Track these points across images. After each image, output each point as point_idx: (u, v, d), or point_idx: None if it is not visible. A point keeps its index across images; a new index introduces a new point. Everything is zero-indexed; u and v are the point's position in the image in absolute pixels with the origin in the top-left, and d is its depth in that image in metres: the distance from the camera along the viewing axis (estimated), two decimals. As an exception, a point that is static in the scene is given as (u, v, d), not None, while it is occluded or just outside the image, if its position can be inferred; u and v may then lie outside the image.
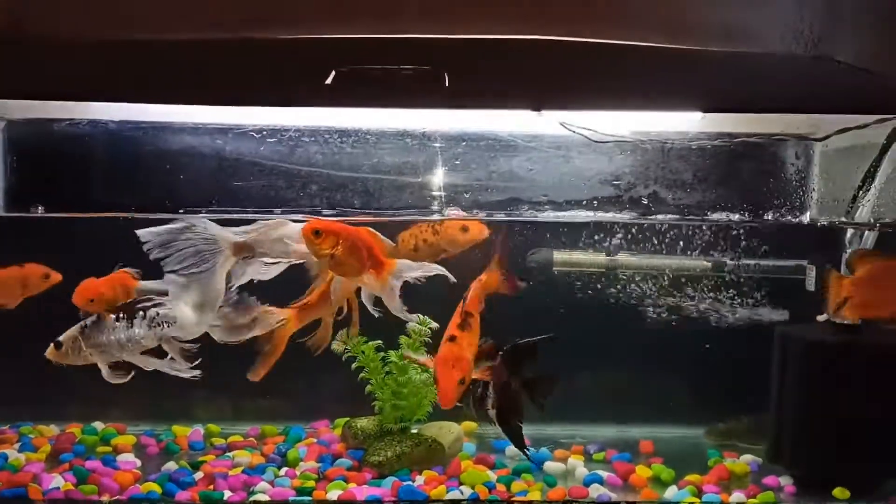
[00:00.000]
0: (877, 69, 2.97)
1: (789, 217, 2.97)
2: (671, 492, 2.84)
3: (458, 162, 2.91)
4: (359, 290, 2.80)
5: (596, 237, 3.22)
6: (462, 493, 2.77)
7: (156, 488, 2.74)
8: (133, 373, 2.76)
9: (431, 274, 2.62)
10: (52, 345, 2.71)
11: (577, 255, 3.25)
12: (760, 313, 3.23)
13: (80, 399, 3.28)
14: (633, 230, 3.21)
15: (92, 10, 3.04)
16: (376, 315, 2.68)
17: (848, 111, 2.74)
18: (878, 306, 2.76)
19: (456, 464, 2.93)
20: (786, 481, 2.93)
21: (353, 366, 3.06)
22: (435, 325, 2.97)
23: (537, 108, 2.61)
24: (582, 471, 2.97)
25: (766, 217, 2.97)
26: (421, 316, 2.99)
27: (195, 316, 2.64)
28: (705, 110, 2.68)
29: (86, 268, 2.83)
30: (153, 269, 2.66)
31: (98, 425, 3.26)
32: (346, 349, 3.03)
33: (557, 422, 3.31)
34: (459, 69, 2.71)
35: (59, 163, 3.06)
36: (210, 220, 2.66)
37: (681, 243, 3.23)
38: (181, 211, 2.80)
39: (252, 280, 2.69)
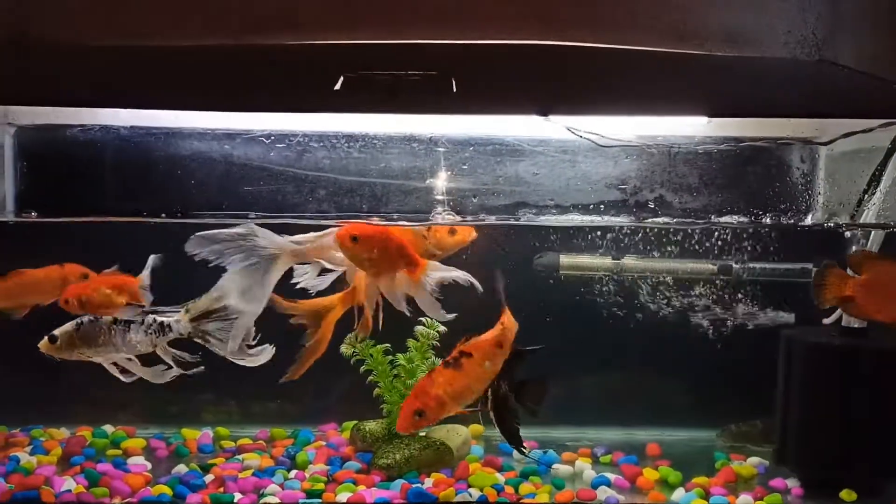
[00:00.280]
0: (880, 73, 2.99)
1: (795, 220, 2.98)
2: (679, 494, 2.85)
3: (465, 166, 2.93)
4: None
5: (602, 241, 3.24)
6: (471, 495, 2.78)
7: (167, 491, 2.76)
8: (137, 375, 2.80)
9: (461, 277, 2.65)
10: (46, 338, 2.73)
11: (584, 259, 3.27)
12: (766, 316, 3.24)
13: (89, 402, 3.31)
14: (640, 234, 3.23)
15: (100, 17, 3.07)
16: (408, 314, 2.70)
17: (852, 115, 2.75)
18: (881, 310, 2.77)
19: (464, 466, 2.95)
20: (793, 484, 2.94)
21: (362, 369, 3.08)
22: (442, 328, 3.00)
23: (545, 114, 2.63)
24: (590, 473, 2.98)
25: (771, 220, 2.98)
26: (428, 319, 3.02)
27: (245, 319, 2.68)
28: (710, 115, 2.70)
29: (98, 271, 2.86)
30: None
31: (108, 428, 3.29)
32: (354, 352, 3.05)
33: (564, 425, 3.33)
34: (467, 74, 2.73)
35: (68, 168, 3.08)
36: (260, 225, 2.71)
37: (686, 247, 3.24)
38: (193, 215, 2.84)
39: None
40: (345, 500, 2.74)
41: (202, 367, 2.78)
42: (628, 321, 3.29)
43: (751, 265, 3.23)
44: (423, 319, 3.03)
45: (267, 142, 2.91)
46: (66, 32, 3.07)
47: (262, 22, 3.02)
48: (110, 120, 2.89)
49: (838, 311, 2.97)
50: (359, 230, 2.58)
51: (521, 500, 2.79)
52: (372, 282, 2.72)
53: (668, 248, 3.24)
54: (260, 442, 3.23)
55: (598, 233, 3.22)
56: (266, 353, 2.75)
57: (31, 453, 3.05)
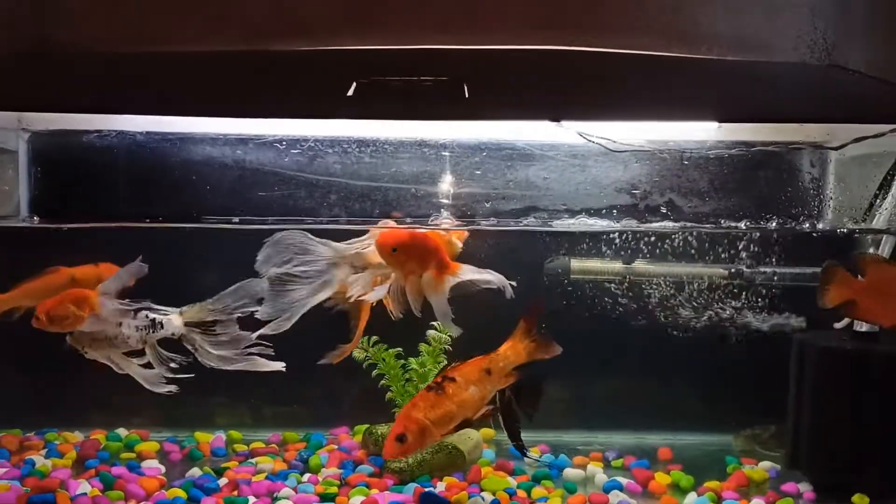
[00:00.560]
0: (891, 78, 3.00)
1: (806, 225, 2.99)
2: (691, 498, 2.85)
3: (477, 171, 2.94)
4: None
5: (612, 245, 3.25)
6: (483, 499, 2.79)
7: (181, 494, 2.77)
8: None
9: (489, 278, 2.69)
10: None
11: (594, 263, 3.27)
12: (778, 320, 3.25)
13: (103, 406, 3.33)
14: (650, 238, 3.23)
15: (114, 25, 3.09)
16: (417, 314, 2.73)
17: (862, 120, 2.76)
18: (883, 313, 2.77)
19: (476, 470, 2.95)
20: (805, 488, 2.94)
21: (374, 373, 3.09)
22: (455, 332, 3.00)
23: (556, 119, 2.64)
24: (601, 477, 2.99)
25: (782, 225, 2.99)
26: (438, 324, 3.03)
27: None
28: (720, 120, 2.71)
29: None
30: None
31: (122, 432, 3.31)
32: (366, 356, 3.06)
33: (575, 429, 3.34)
34: (479, 80, 2.74)
35: (81, 173, 3.11)
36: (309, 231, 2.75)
37: (697, 251, 3.25)
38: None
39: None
40: (358, 504, 2.75)
41: (192, 375, 2.80)
42: (638, 325, 3.30)
43: (762, 269, 3.23)
44: (434, 324, 3.05)
45: (281, 147, 2.94)
46: (86, 40, 3.09)
47: (276, 29, 3.04)
48: (124, 125, 2.92)
49: (849, 315, 2.97)
50: (396, 240, 2.65)
51: (533, 504, 2.80)
52: (399, 282, 2.75)
53: (679, 253, 3.25)
54: (272, 445, 3.24)
55: (607, 236, 3.23)
56: (254, 364, 2.78)
57: (46, 456, 3.07)
